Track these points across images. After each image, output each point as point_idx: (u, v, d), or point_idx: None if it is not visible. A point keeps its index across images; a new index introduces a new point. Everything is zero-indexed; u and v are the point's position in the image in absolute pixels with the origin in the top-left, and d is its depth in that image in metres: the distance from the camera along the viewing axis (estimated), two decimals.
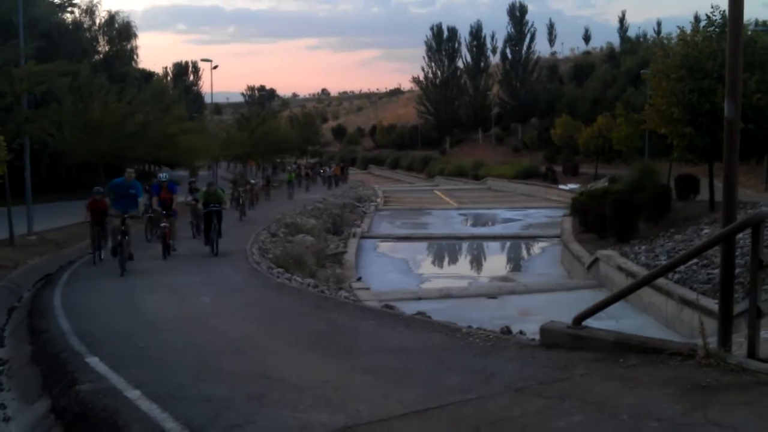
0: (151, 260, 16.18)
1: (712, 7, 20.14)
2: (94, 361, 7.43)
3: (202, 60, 57.07)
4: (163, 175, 19.19)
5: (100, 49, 54.33)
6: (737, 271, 6.65)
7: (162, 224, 17.13)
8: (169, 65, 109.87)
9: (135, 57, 57.01)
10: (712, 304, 10.47)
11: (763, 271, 5.87)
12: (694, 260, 13.52)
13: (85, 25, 52.36)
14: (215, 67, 53.48)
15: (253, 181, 36.28)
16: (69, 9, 47.74)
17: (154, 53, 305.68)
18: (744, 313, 6.12)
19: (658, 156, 32.16)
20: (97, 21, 54.31)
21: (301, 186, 49.01)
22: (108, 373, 6.89)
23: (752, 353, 5.84)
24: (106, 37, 55.17)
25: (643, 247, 18.12)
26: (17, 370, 8.34)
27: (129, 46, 56.28)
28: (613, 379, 5.75)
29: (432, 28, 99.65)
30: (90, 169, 31.06)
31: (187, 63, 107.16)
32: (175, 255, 16.87)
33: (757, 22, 27.24)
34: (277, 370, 6.75)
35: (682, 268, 13.45)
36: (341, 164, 69.87)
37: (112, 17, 54.96)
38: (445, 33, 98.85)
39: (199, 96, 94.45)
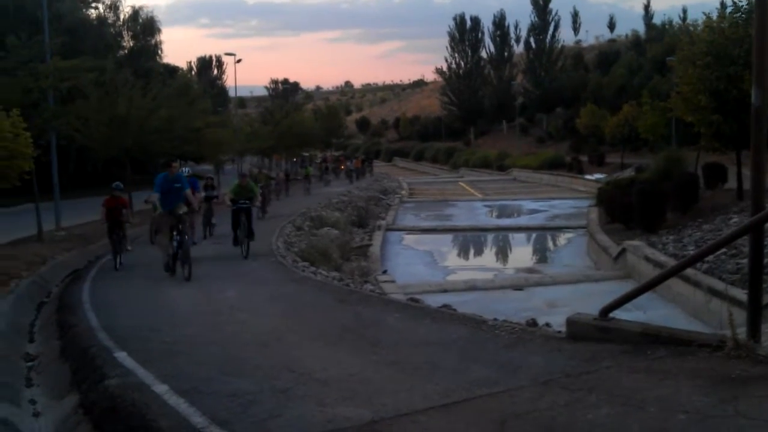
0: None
1: None
2: (122, 355, 7.50)
3: (226, 54, 57.63)
4: (186, 170, 19.07)
5: (124, 44, 54.81)
6: (766, 260, 6.54)
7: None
8: (193, 60, 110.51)
9: (159, 52, 57.43)
10: (741, 295, 10.31)
11: None
12: (723, 250, 13.36)
13: (109, 21, 52.86)
14: (239, 61, 53.73)
15: (273, 177, 36.27)
16: (93, 5, 48.34)
17: (178, 48, 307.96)
18: None
19: (685, 144, 31.82)
20: (121, 16, 54.92)
21: (321, 180, 48.77)
22: (136, 367, 6.94)
23: None
24: (130, 33, 55.62)
25: (671, 237, 17.93)
26: (46, 366, 8.44)
27: (153, 41, 56.67)
28: (640, 371, 5.68)
29: (455, 19, 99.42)
30: (116, 164, 31.36)
31: (210, 57, 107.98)
32: (197, 251, 16.43)
33: None
34: (303, 364, 6.76)
35: (710, 258, 13.29)
36: (362, 157, 69.72)
37: (136, 12, 55.46)
38: (468, 23, 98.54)
39: (223, 90, 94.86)
